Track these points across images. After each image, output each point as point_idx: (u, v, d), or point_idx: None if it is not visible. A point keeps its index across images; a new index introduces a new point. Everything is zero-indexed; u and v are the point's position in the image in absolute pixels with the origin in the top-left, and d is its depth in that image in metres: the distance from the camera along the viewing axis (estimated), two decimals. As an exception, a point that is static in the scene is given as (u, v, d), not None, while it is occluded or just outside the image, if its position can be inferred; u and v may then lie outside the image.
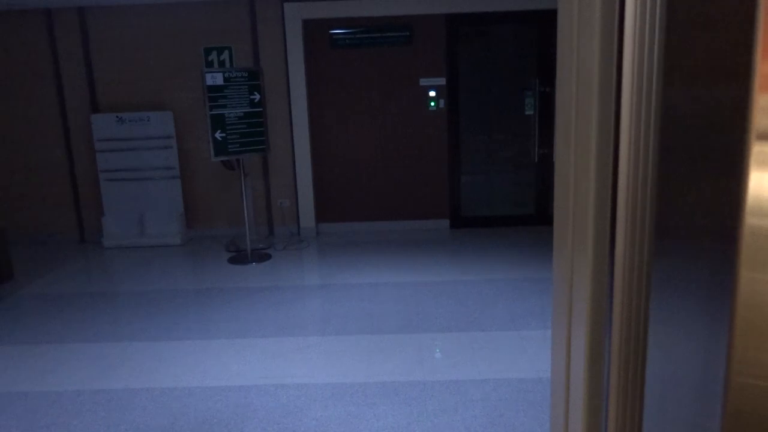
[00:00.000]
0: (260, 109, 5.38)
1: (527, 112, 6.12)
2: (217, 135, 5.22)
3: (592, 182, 0.73)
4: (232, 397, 3.08)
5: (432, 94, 6.11)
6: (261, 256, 5.62)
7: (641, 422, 0.76)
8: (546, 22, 5.98)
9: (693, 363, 0.48)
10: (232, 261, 5.54)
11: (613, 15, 0.62)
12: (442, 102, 6.12)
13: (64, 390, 3.22)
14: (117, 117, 5.96)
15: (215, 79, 5.18)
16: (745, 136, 0.32)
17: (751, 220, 0.34)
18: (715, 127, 0.39)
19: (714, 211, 0.39)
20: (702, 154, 0.43)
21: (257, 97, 5.35)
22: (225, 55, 5.96)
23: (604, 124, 0.66)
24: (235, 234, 6.29)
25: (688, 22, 0.44)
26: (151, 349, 3.73)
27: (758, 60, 0.32)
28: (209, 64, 5.97)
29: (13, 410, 3.02)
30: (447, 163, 6.25)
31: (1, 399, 3.14)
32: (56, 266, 5.58)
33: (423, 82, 6.09)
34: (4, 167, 6.23)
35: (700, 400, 0.47)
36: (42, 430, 2.84)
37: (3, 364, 3.58)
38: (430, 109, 6.14)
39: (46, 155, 6.22)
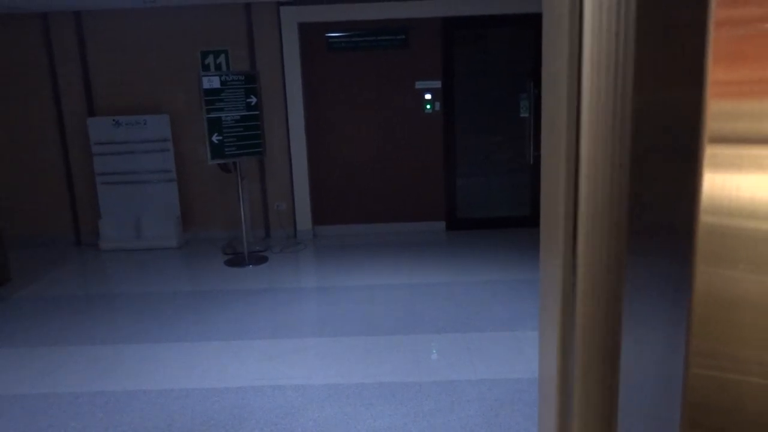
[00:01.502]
0: (257, 113, 5.41)
1: (522, 115, 6.16)
2: (214, 138, 5.25)
3: (562, 183, 0.75)
4: (229, 399, 3.10)
5: (428, 96, 6.14)
6: (258, 259, 5.64)
7: (616, 417, 0.78)
8: (541, 25, 6.02)
9: (660, 357, 0.51)
10: (229, 263, 5.56)
11: (579, 22, 0.64)
12: (438, 105, 6.16)
13: (62, 392, 3.24)
14: (113, 120, 5.98)
15: (212, 82, 5.21)
16: (699, 140, 0.35)
17: (705, 218, 0.37)
18: (676, 131, 0.42)
19: (675, 210, 0.42)
20: (665, 157, 0.46)
21: (254, 100, 5.38)
22: (221, 59, 5.99)
23: (570, 127, 0.68)
24: (232, 237, 6.30)
25: (651, 31, 0.47)
26: (148, 351, 3.75)
27: (709, 68, 0.34)
28: (206, 68, 5.99)
29: (12, 412, 3.04)
30: (443, 165, 6.28)
31: (1, 402, 3.16)
32: (53, 269, 5.59)
33: (419, 84, 6.12)
34: (1, 170, 6.24)
35: (664, 394, 0.49)
36: (41, 431, 2.86)
37: (1, 367, 3.59)
38: (426, 111, 6.18)
39: (42, 158, 6.23)
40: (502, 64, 6.20)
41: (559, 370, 1.00)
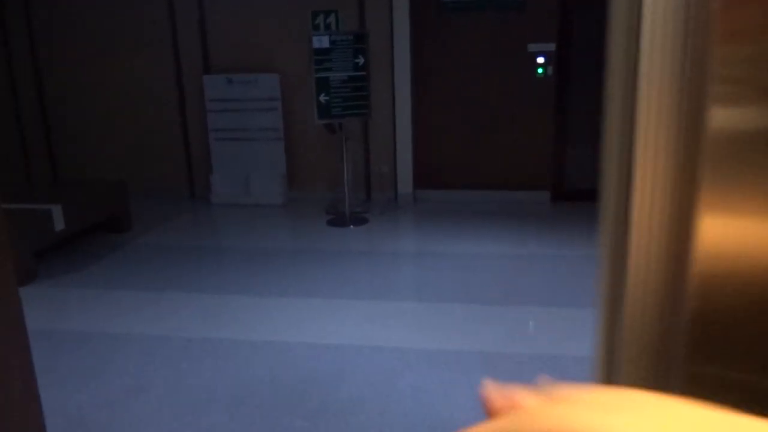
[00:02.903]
0: (364, 73, 5.38)
1: (642, 82, 5.76)
2: (322, 98, 5.29)
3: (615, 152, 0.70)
4: (329, 356, 3.16)
5: (540, 60, 5.87)
6: (359, 220, 5.69)
7: None
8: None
9: None
10: (331, 223, 5.64)
11: None
12: (550, 69, 5.88)
13: (175, 335, 3.43)
14: (227, 78, 6.16)
15: (322, 42, 5.23)
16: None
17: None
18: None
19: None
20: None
21: (362, 60, 5.35)
22: (331, 19, 5.98)
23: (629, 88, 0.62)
24: (334, 197, 6.38)
25: None
26: (253, 303, 3.89)
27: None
28: (316, 27, 6.01)
29: (131, 350, 3.26)
30: (552, 132, 6.02)
31: (120, 339, 3.39)
32: (169, 220, 5.91)
33: (531, 48, 5.86)
34: (124, 125, 6.63)
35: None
36: (157, 370, 3.04)
37: (122, 307, 3.85)
38: (537, 76, 5.92)
39: (161, 115, 6.55)
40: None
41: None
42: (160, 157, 6.66)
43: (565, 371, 2.93)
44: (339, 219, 5.72)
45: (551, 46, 5.82)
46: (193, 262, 4.71)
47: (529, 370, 2.95)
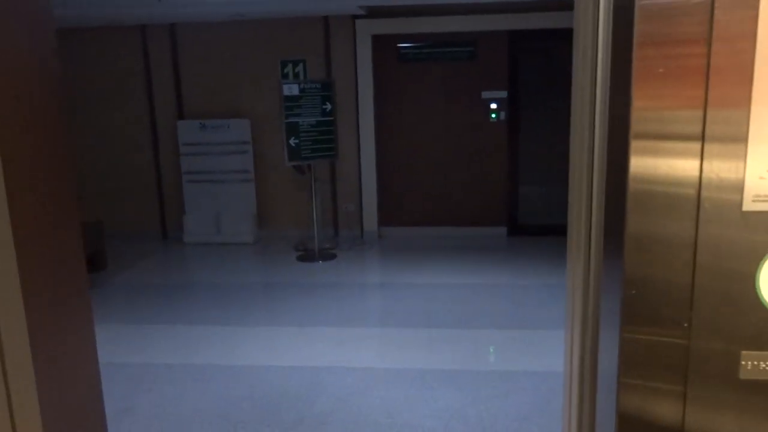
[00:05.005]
0: (331, 118, 5.78)
1: (586, 125, 6.28)
2: (292, 141, 5.65)
3: (584, 188, 0.95)
4: (303, 376, 3.43)
5: (493, 106, 6.37)
6: (327, 256, 5.99)
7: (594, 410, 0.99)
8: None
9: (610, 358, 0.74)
10: (300, 259, 5.93)
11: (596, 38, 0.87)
12: (503, 114, 6.37)
13: (158, 362, 3.66)
14: (200, 123, 6.48)
15: (292, 89, 5.62)
16: (628, 136, 0.55)
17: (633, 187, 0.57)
18: (621, 132, 0.64)
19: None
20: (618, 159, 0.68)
21: (329, 107, 5.75)
22: (299, 68, 6.40)
23: (588, 135, 0.89)
24: (303, 235, 6.68)
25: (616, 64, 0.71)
26: (230, 332, 4.14)
27: (634, 90, 0.55)
28: (285, 76, 6.42)
29: (118, 377, 3.47)
30: (506, 172, 6.48)
31: (107, 368, 3.58)
32: (143, 259, 6.12)
33: (485, 95, 6.35)
34: (100, 168, 6.85)
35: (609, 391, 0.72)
36: (142, 394, 3.27)
37: (104, 339, 4.04)
38: (491, 120, 6.40)
39: (136, 158, 6.81)
40: (566, 74, 6.34)
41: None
42: (135, 198, 6.89)
43: (517, 384, 3.26)
44: (308, 255, 6.02)
45: (503, 94, 6.32)
46: (169, 297, 4.94)
47: (485, 384, 3.27)
